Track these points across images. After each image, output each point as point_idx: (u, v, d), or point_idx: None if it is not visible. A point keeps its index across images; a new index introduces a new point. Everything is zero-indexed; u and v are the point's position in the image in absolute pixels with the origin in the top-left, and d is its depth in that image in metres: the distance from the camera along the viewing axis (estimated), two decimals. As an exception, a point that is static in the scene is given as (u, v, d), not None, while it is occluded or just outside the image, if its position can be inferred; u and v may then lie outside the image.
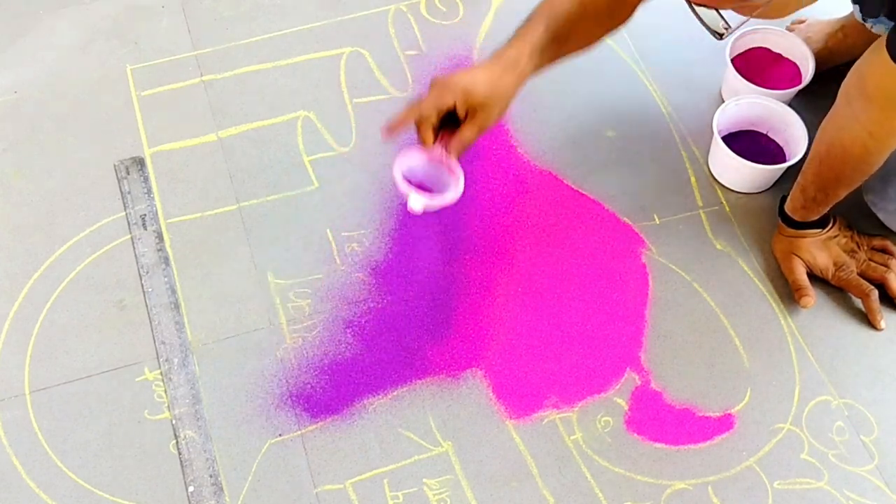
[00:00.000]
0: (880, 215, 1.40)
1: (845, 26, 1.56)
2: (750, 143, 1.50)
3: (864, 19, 1.50)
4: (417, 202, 1.13)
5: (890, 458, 1.28)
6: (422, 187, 1.17)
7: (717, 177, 1.50)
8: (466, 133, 1.14)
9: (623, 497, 1.24)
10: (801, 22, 1.63)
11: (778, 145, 1.51)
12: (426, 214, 1.43)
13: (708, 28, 1.01)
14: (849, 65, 1.25)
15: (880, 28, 1.51)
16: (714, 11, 1.03)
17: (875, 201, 1.38)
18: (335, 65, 1.62)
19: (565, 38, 1.21)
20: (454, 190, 1.16)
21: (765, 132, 1.52)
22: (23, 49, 1.63)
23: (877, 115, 1.19)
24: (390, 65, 1.62)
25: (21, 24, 1.66)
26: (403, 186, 1.14)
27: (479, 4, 1.69)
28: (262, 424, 1.28)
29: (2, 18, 1.66)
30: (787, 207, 1.39)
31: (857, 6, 1.13)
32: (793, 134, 1.47)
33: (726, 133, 1.49)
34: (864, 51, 1.54)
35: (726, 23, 1.01)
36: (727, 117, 1.48)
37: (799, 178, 1.36)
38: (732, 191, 1.49)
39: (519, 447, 1.28)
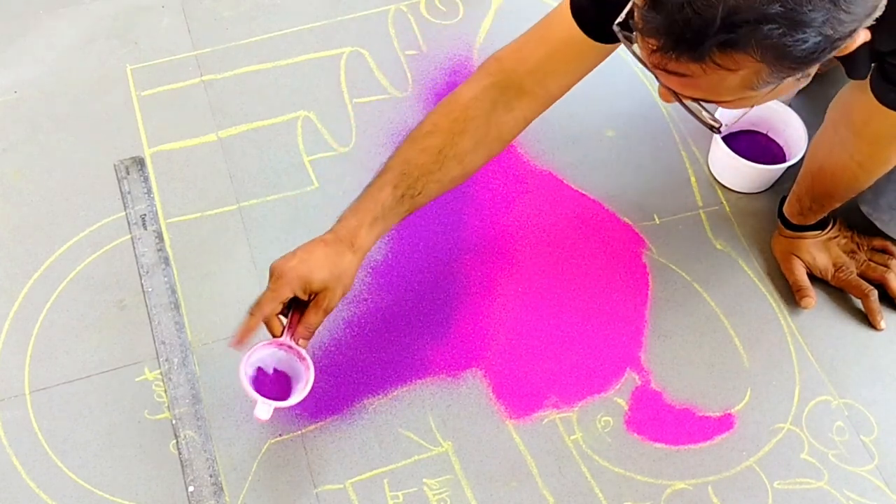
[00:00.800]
0: (877, 224, 1.40)
1: None
2: (750, 143, 1.50)
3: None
4: (264, 411, 1.10)
5: (890, 458, 1.28)
6: (276, 376, 1.17)
7: (717, 177, 1.50)
8: (311, 318, 1.13)
9: (623, 497, 1.24)
10: None
11: (778, 145, 1.51)
12: (425, 214, 1.43)
13: (703, 123, 0.99)
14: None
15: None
16: (703, 109, 0.98)
17: (870, 211, 1.38)
18: (335, 65, 1.62)
19: (418, 193, 1.14)
20: (303, 383, 1.14)
21: (765, 132, 1.52)
22: (23, 49, 1.63)
23: (866, 150, 1.20)
24: (390, 65, 1.62)
25: (21, 24, 1.66)
26: (250, 393, 1.11)
27: (479, 4, 1.69)
28: (262, 424, 1.28)
29: (2, 18, 1.66)
30: (786, 211, 1.39)
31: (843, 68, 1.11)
32: (792, 134, 1.47)
33: (726, 133, 1.49)
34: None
35: (718, 121, 1.00)
36: (727, 117, 1.48)
37: (794, 187, 1.37)
38: (732, 191, 1.49)
39: (519, 447, 1.28)
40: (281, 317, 1.14)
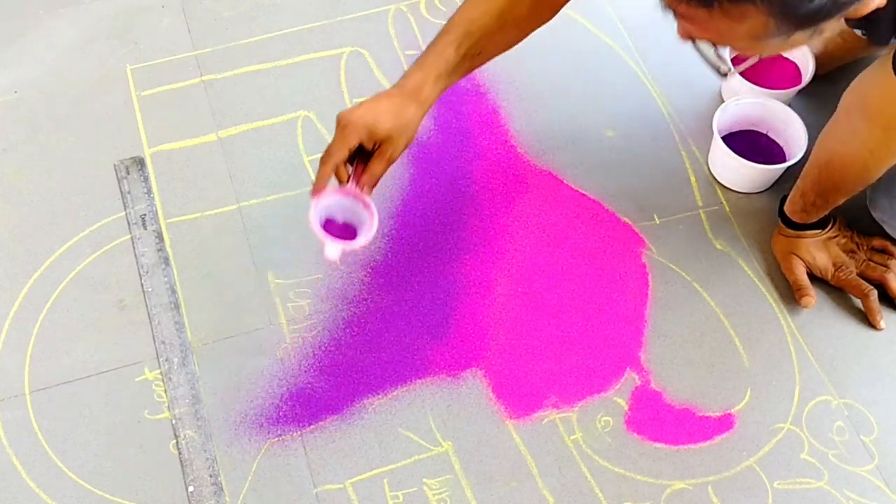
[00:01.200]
0: (890, 231, 1.39)
1: (844, 31, 1.56)
2: (750, 143, 1.50)
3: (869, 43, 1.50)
4: (333, 250, 1.13)
5: (890, 458, 1.28)
6: (345, 226, 1.18)
7: (716, 177, 1.50)
8: (375, 167, 1.16)
9: (623, 497, 1.24)
10: None
11: (778, 145, 1.51)
12: (425, 214, 1.43)
13: (711, 65, 1.03)
14: (848, 67, 1.24)
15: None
16: (714, 50, 1.05)
17: (884, 219, 1.37)
18: (335, 65, 1.62)
19: (478, 53, 1.20)
20: (367, 228, 1.15)
21: (765, 132, 1.52)
22: (23, 49, 1.63)
23: (879, 135, 1.19)
24: (390, 65, 1.62)
25: (21, 24, 1.66)
26: (319, 234, 1.13)
27: (479, 4, 1.69)
28: (262, 424, 1.28)
29: (2, 18, 1.66)
30: (787, 209, 1.38)
31: (864, 34, 1.13)
32: (793, 134, 1.47)
33: (726, 133, 1.49)
34: (862, 54, 1.55)
35: (727, 64, 1.04)
36: (727, 117, 1.48)
37: (798, 182, 1.35)
38: (732, 191, 1.49)
39: (519, 447, 1.28)
40: (348, 165, 1.16)
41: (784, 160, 1.47)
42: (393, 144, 1.15)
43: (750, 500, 1.24)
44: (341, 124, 1.14)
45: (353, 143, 1.13)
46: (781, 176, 1.47)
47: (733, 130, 1.51)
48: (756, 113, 1.50)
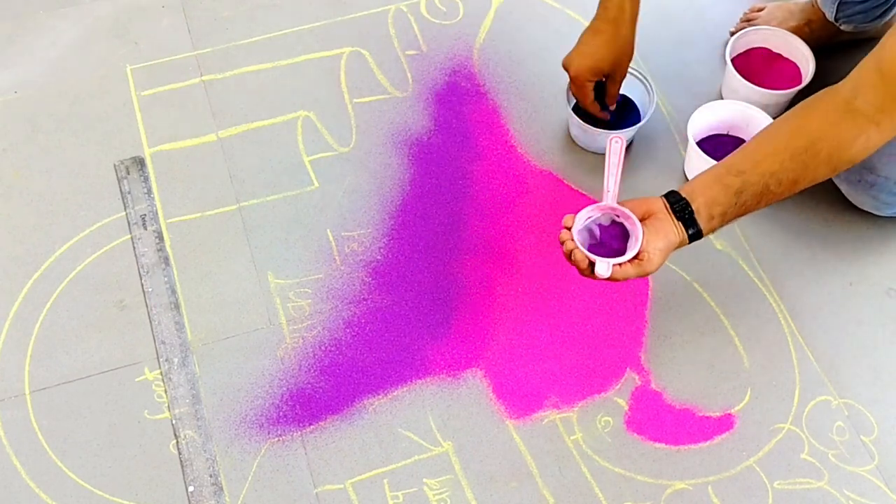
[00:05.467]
0: (843, 187, 1.38)
1: (812, 21, 1.56)
2: (727, 150, 1.47)
3: (836, 19, 1.50)
4: (604, 267, 1.13)
5: (890, 458, 1.28)
6: (612, 232, 1.19)
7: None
8: (611, 89, 1.44)
9: (623, 497, 1.24)
10: (760, 10, 1.63)
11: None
12: (425, 214, 1.43)
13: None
14: (840, 67, 1.22)
15: (849, 26, 1.52)
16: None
17: (840, 173, 1.32)
18: (335, 65, 1.62)
19: None
20: (634, 241, 1.14)
21: (745, 139, 1.50)
22: (23, 49, 1.63)
23: (892, 103, 1.11)
24: (390, 65, 1.62)
25: (21, 24, 1.66)
26: (588, 255, 1.14)
27: (479, 4, 1.69)
28: (262, 424, 1.28)
29: (2, 18, 1.66)
30: (703, 218, 1.15)
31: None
32: None
33: (703, 137, 1.49)
34: (830, 42, 1.55)
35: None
36: (702, 121, 1.47)
37: (734, 180, 1.14)
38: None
39: (519, 447, 1.28)
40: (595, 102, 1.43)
41: None
42: (619, 69, 1.40)
43: (750, 500, 1.24)
44: (572, 75, 1.39)
45: (589, 88, 1.40)
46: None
47: (711, 134, 1.50)
48: (731, 119, 1.49)
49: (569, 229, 1.16)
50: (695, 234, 1.15)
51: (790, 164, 1.14)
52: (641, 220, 1.14)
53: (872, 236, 1.45)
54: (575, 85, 1.41)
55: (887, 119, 1.11)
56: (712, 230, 1.16)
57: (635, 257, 1.13)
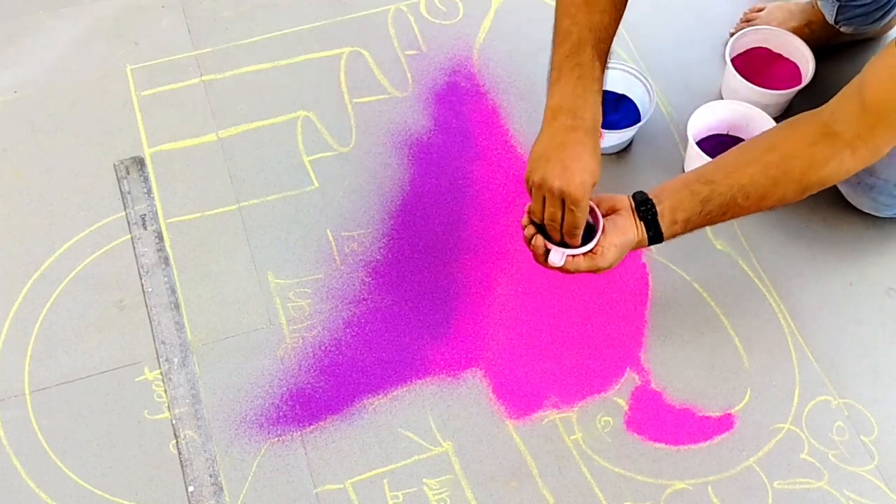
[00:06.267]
0: (842, 189, 1.39)
1: (812, 22, 1.57)
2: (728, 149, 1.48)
3: (836, 22, 1.50)
4: (557, 256, 1.14)
5: (890, 458, 1.28)
6: None
7: None
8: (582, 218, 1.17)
9: (623, 497, 1.24)
10: (760, 10, 1.63)
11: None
12: (425, 214, 1.43)
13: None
14: (845, 68, 1.23)
15: (849, 28, 1.53)
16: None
17: (848, 179, 1.35)
18: (335, 65, 1.62)
19: (607, 53, 1.16)
20: (594, 236, 1.14)
21: (746, 138, 1.50)
22: (23, 49, 1.63)
23: (866, 130, 1.11)
24: (390, 65, 1.62)
25: (21, 24, 1.66)
26: (546, 242, 1.14)
27: (479, 4, 1.69)
28: (262, 424, 1.28)
29: (2, 18, 1.66)
30: (666, 222, 1.15)
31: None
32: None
33: (703, 137, 1.49)
34: (830, 43, 1.54)
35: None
36: (702, 121, 1.47)
37: (702, 188, 1.14)
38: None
39: (519, 447, 1.28)
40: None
41: None
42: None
43: (750, 500, 1.24)
44: (576, 196, 1.09)
45: (587, 211, 1.12)
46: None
47: (711, 134, 1.50)
48: (732, 119, 1.49)
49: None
50: (654, 236, 1.15)
51: (761, 178, 1.13)
52: (605, 216, 1.15)
53: (872, 236, 1.45)
54: (578, 209, 1.10)
55: (863, 146, 1.12)
56: (673, 235, 1.16)
57: (591, 251, 1.13)
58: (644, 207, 1.15)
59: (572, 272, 1.15)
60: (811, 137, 1.13)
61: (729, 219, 1.17)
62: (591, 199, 1.12)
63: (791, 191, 1.15)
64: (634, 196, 1.16)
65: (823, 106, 1.15)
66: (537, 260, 1.16)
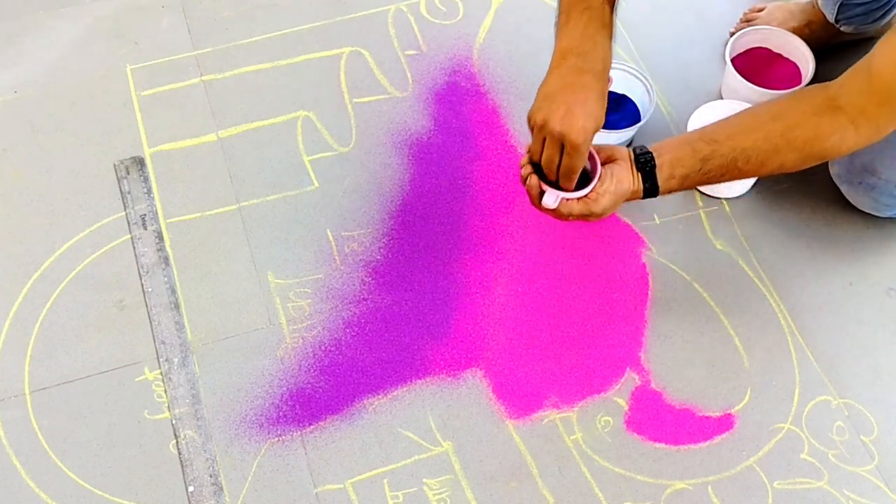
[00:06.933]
0: (843, 188, 1.39)
1: (812, 22, 1.57)
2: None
3: (836, 20, 1.50)
4: (551, 198, 1.14)
5: (890, 458, 1.28)
6: None
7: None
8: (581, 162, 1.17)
9: (623, 497, 1.24)
10: (760, 10, 1.63)
11: None
12: (425, 214, 1.43)
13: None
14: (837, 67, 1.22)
15: (849, 27, 1.53)
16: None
17: (841, 173, 1.36)
18: (335, 65, 1.62)
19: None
20: (592, 181, 1.15)
21: None
22: (23, 49, 1.63)
23: (873, 108, 1.11)
24: (390, 65, 1.62)
25: (21, 24, 1.66)
26: (542, 184, 1.14)
27: (479, 4, 1.69)
28: (262, 424, 1.28)
29: (2, 18, 1.66)
30: (664, 175, 1.16)
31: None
32: None
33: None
34: (830, 43, 1.54)
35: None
36: (703, 119, 1.47)
37: (704, 147, 1.16)
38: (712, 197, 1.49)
39: (519, 447, 1.28)
40: None
41: None
42: None
43: (750, 500, 1.24)
44: (576, 141, 1.08)
45: (585, 157, 1.12)
46: (757, 181, 1.47)
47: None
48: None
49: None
50: (651, 188, 1.16)
51: (763, 144, 1.14)
52: (603, 164, 1.15)
53: (872, 236, 1.45)
54: (577, 154, 1.09)
55: (866, 123, 1.12)
56: (669, 190, 1.17)
57: (585, 196, 1.14)
58: (643, 159, 1.15)
59: (565, 216, 1.15)
60: (817, 109, 1.14)
61: (726, 180, 1.18)
62: (591, 146, 1.13)
63: (791, 160, 1.16)
64: (635, 149, 1.17)
65: (834, 80, 1.15)
66: (532, 201, 1.17)
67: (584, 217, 1.15)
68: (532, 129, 1.13)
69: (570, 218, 1.16)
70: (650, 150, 1.16)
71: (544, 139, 1.11)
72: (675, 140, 1.18)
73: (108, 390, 1.31)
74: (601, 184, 1.14)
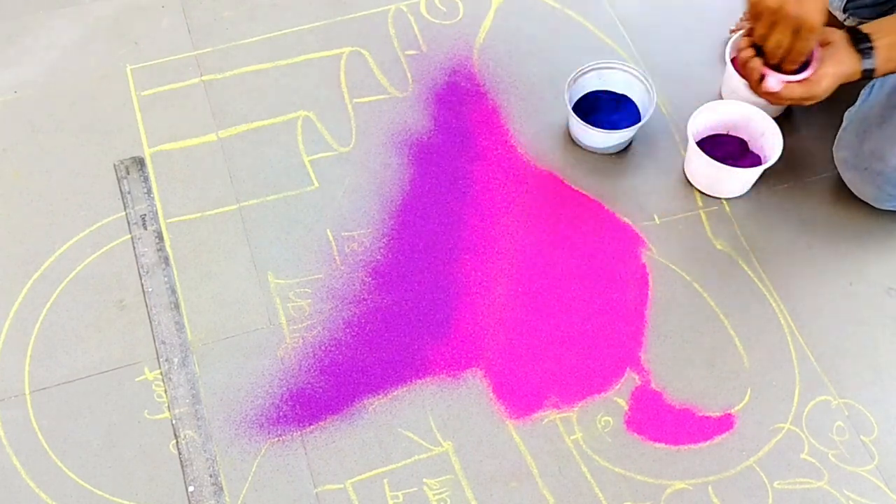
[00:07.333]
0: (847, 175, 1.39)
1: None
2: (726, 151, 1.48)
3: (845, 9, 1.49)
4: (775, 81, 1.17)
5: (890, 458, 1.28)
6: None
7: (693, 183, 1.48)
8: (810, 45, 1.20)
9: (623, 497, 1.24)
10: None
11: (755, 154, 1.49)
12: (425, 214, 1.44)
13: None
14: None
15: (854, 20, 1.52)
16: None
17: (847, 158, 1.36)
18: (335, 65, 1.62)
19: None
20: (812, 64, 1.18)
21: (745, 138, 1.50)
22: (23, 49, 1.63)
23: None
24: (390, 65, 1.62)
25: (21, 24, 1.66)
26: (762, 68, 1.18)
27: (479, 4, 1.69)
28: (262, 424, 1.28)
29: (2, 18, 1.66)
30: (881, 57, 1.18)
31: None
32: (769, 140, 1.45)
33: (702, 137, 1.49)
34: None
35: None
36: (702, 122, 1.47)
37: None
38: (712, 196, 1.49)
39: (519, 447, 1.28)
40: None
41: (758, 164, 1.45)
42: None
43: (750, 500, 1.24)
44: (812, 23, 1.12)
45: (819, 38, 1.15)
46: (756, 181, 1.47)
47: (711, 134, 1.50)
48: (733, 117, 1.49)
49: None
50: (869, 70, 1.18)
51: None
52: (819, 47, 1.17)
53: (872, 236, 1.45)
54: (814, 35, 1.12)
55: None
56: (887, 72, 1.19)
57: (806, 78, 1.16)
58: (864, 42, 1.17)
59: (785, 99, 1.17)
60: None
61: None
62: None
63: None
64: (849, 29, 1.18)
65: None
66: (751, 85, 1.19)
67: (804, 100, 1.17)
68: (758, 14, 1.14)
69: (789, 101, 1.17)
70: (865, 31, 1.17)
71: (771, 24, 1.13)
72: (890, 21, 1.19)
73: (108, 390, 1.31)
74: (822, 66, 1.16)
